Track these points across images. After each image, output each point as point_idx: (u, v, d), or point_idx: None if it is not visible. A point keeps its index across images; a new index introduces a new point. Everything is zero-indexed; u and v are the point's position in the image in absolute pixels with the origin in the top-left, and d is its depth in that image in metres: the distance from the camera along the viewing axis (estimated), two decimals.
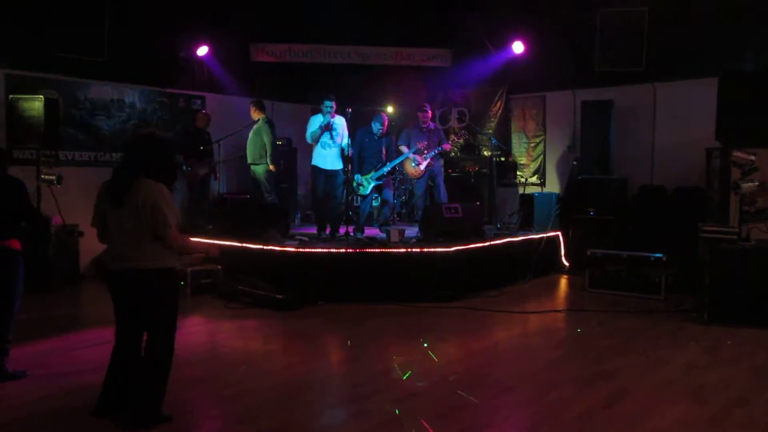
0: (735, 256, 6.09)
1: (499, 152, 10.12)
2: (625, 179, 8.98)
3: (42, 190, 7.43)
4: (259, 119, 9.19)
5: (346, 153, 8.01)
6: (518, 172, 10.45)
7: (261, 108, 9.30)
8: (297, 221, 10.43)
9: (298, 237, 8.01)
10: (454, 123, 11.14)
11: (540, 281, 8.41)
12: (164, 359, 3.74)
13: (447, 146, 8.73)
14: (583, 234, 8.62)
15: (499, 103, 10.66)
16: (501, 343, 5.73)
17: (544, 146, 10.28)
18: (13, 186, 4.47)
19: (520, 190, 10.04)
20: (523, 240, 8.44)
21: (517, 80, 10.34)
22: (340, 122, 7.99)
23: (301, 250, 7.21)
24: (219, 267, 7.66)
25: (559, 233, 9.03)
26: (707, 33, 8.42)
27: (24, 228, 4.59)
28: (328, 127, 7.86)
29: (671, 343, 5.51)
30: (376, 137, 8.49)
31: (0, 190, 4.41)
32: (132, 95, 9.30)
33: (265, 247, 7.40)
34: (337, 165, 8.01)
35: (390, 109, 10.81)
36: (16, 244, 4.45)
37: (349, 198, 8.41)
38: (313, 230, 8.56)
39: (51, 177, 7.36)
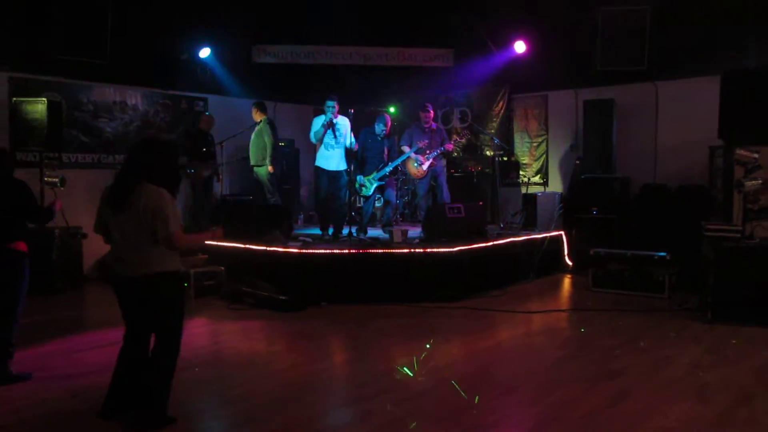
0: (739, 255, 6.07)
1: (501, 152, 10.11)
2: (627, 178, 8.98)
3: (45, 193, 7.44)
4: (260, 121, 9.21)
5: (351, 149, 7.99)
6: (521, 172, 10.45)
7: (262, 109, 9.33)
8: (300, 222, 10.43)
9: (301, 238, 8.01)
10: (456, 123, 11.14)
11: (543, 281, 8.41)
12: (170, 361, 3.74)
13: (449, 146, 8.73)
14: (586, 233, 8.61)
15: (501, 103, 10.65)
16: (504, 343, 5.73)
17: (547, 146, 10.28)
18: (17, 188, 4.49)
19: (523, 190, 10.04)
20: (526, 240, 8.43)
21: (519, 80, 10.33)
22: (343, 122, 7.99)
23: (304, 251, 7.21)
24: (222, 268, 7.68)
25: (562, 233, 9.02)
26: (709, 31, 8.40)
27: (29, 229, 4.61)
28: (330, 125, 7.86)
29: (675, 342, 5.50)
30: (378, 138, 8.50)
31: (5, 192, 4.43)
32: (134, 97, 9.32)
33: (268, 249, 7.41)
34: (340, 166, 8.02)
35: (392, 110, 10.82)
36: (22, 246, 4.46)
37: (352, 199, 8.41)
38: (316, 231, 8.57)
39: (54, 179, 7.36)
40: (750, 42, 8.12)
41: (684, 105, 8.63)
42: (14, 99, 7.74)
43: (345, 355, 5.50)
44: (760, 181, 6.06)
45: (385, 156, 8.56)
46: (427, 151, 8.58)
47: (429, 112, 8.80)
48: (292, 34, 10.48)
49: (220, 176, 9.70)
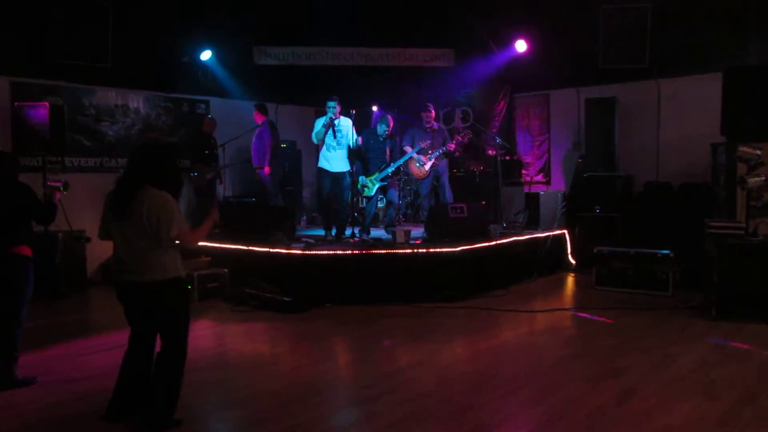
0: (742, 252, 6.06)
1: (503, 151, 10.09)
2: (630, 176, 8.97)
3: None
4: (261, 122, 9.24)
5: (353, 147, 7.99)
6: (523, 171, 10.43)
7: (263, 111, 9.36)
8: (303, 223, 10.44)
9: (304, 239, 8.02)
10: (458, 123, 11.13)
11: (547, 280, 8.40)
12: (177, 366, 3.73)
13: (451, 146, 8.73)
14: (589, 232, 8.60)
15: (502, 102, 10.65)
16: (508, 343, 5.72)
17: (549, 144, 10.28)
18: (21, 191, 4.49)
19: (526, 189, 10.03)
20: (529, 239, 8.42)
21: (521, 79, 10.33)
22: (345, 123, 7.98)
23: (307, 252, 7.22)
24: (225, 271, 7.68)
25: (565, 231, 9.01)
26: (710, 28, 8.40)
27: (33, 234, 4.62)
28: (331, 124, 7.85)
29: (680, 340, 5.49)
30: (380, 139, 8.51)
31: (9, 195, 4.43)
32: (136, 101, 9.34)
33: (271, 250, 7.42)
34: (342, 167, 8.01)
35: (394, 110, 10.82)
36: (26, 251, 4.46)
37: (355, 199, 8.41)
38: (319, 232, 8.58)
39: (57, 184, 7.38)
40: (751, 38, 8.11)
41: (686, 102, 8.63)
42: (16, 103, 7.76)
43: (349, 356, 5.50)
44: (763, 178, 6.04)
45: (388, 156, 8.56)
46: (429, 152, 8.58)
47: (430, 112, 8.80)
48: (293, 35, 10.48)
49: (223, 178, 9.72)
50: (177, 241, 3.65)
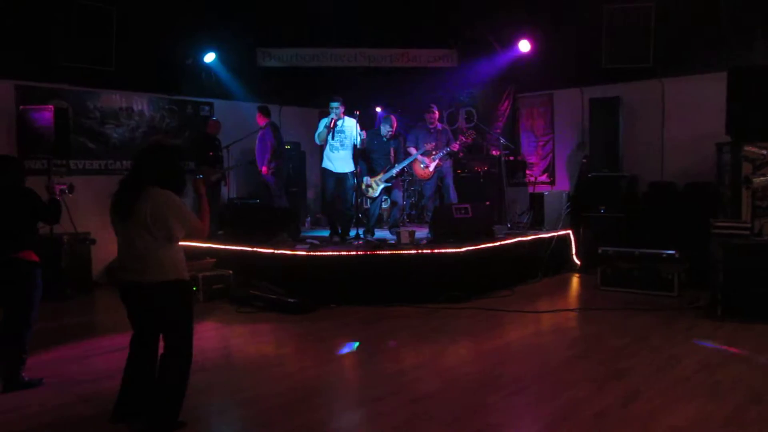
0: (748, 252, 6.03)
1: (507, 151, 10.09)
2: (635, 176, 8.95)
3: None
4: (264, 125, 9.28)
5: (359, 147, 7.99)
6: (527, 171, 10.42)
7: (266, 113, 9.40)
8: (307, 225, 10.46)
9: (308, 240, 8.03)
10: (461, 123, 11.13)
11: (551, 280, 8.38)
12: (181, 368, 3.72)
13: (455, 146, 8.74)
14: (593, 232, 8.58)
15: (506, 102, 10.64)
16: (513, 343, 5.72)
17: (553, 144, 10.26)
18: (24, 197, 4.51)
19: (530, 189, 10.01)
20: (533, 239, 8.42)
21: (524, 79, 10.32)
22: (349, 123, 7.97)
23: (311, 253, 7.22)
24: (230, 272, 7.70)
25: (570, 232, 9.00)
26: (714, 27, 8.36)
27: (39, 237, 4.64)
28: (332, 125, 7.85)
29: (685, 341, 5.48)
30: (384, 139, 8.52)
31: (14, 201, 4.45)
32: (141, 103, 9.37)
33: (275, 251, 7.43)
34: (345, 168, 8.01)
35: (397, 111, 10.82)
36: (31, 256, 4.48)
37: (359, 200, 8.42)
38: (323, 233, 8.58)
39: (62, 186, 7.41)
40: (756, 37, 8.08)
41: (690, 102, 8.59)
42: (21, 107, 7.79)
43: (354, 357, 5.50)
44: None
45: (392, 157, 8.57)
46: (433, 152, 8.59)
47: (434, 112, 8.81)
48: (296, 37, 10.50)
49: (228, 180, 9.74)
50: (194, 232, 3.72)
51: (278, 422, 3.86)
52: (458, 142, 8.76)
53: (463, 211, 7.95)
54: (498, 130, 10.39)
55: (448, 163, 8.98)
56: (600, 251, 7.72)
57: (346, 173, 8.03)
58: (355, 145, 7.92)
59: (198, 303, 7.19)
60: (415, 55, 10.70)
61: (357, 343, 5.65)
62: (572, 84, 9.83)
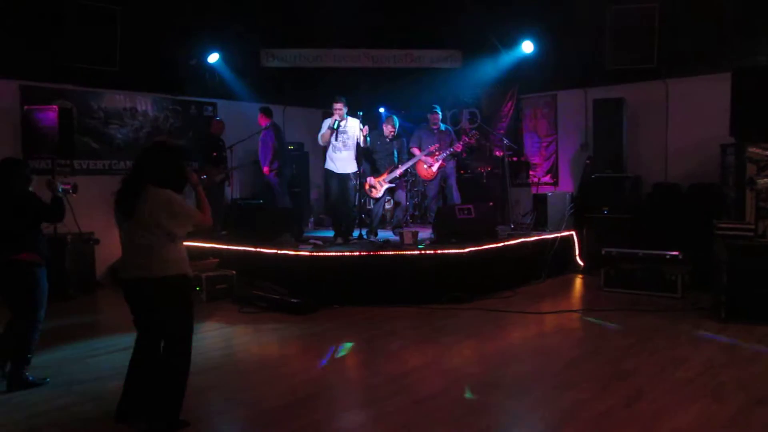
0: (752, 253, 6.01)
1: (511, 152, 10.09)
2: (638, 177, 8.93)
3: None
4: (266, 126, 9.30)
5: (365, 147, 7.99)
6: (531, 172, 10.42)
7: (268, 115, 9.42)
8: (310, 225, 10.46)
9: (311, 241, 8.03)
10: (465, 124, 11.13)
11: (555, 281, 8.37)
12: (181, 365, 3.74)
13: (458, 147, 8.74)
14: (597, 233, 8.57)
15: (510, 103, 10.64)
16: (516, 344, 5.72)
17: (557, 145, 10.25)
18: (26, 201, 4.51)
19: (533, 190, 10.01)
20: (536, 240, 8.41)
21: (528, 80, 10.32)
22: (352, 124, 7.96)
23: (315, 254, 7.23)
24: (233, 272, 7.70)
25: (574, 233, 8.98)
26: (719, 27, 8.36)
27: (42, 238, 4.64)
28: (335, 128, 7.85)
29: (689, 342, 5.47)
30: (387, 140, 8.52)
31: (13, 204, 4.45)
32: (144, 103, 9.39)
33: (279, 252, 7.43)
34: (348, 168, 8.00)
35: (401, 112, 10.83)
36: (32, 257, 4.48)
37: (362, 201, 8.42)
38: (327, 234, 8.59)
39: (66, 186, 7.43)
40: (760, 38, 8.07)
41: (695, 103, 8.58)
42: (26, 107, 7.81)
43: (357, 357, 5.50)
44: None
45: (395, 157, 8.57)
46: (437, 153, 8.58)
47: (437, 113, 8.81)
48: (300, 37, 10.51)
49: (231, 180, 9.76)
50: (200, 225, 3.81)
51: (281, 423, 3.86)
52: (461, 143, 8.76)
53: (466, 212, 7.95)
54: (501, 131, 10.39)
55: (452, 163, 8.99)
56: (603, 252, 7.71)
57: (349, 174, 8.03)
58: (358, 145, 7.91)
59: (201, 303, 7.21)
60: (418, 56, 10.70)
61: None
62: (576, 85, 9.82)
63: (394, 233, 8.59)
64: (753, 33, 8.11)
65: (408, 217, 9.77)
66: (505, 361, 5.09)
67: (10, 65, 7.95)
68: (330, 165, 8.04)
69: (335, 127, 7.78)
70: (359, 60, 10.62)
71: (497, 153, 10.24)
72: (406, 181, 9.44)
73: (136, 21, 8.91)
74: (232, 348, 5.71)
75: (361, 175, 8.12)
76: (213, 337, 5.99)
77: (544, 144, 10.37)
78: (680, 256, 7.21)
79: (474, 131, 9.41)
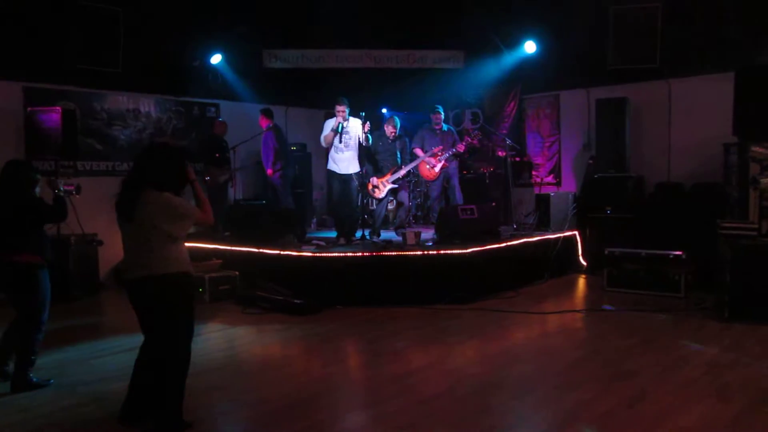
0: (755, 253, 6.00)
1: (513, 152, 10.09)
2: (641, 177, 8.92)
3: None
4: (266, 127, 9.32)
5: (367, 147, 7.98)
6: (533, 172, 10.41)
7: (269, 116, 9.44)
8: (313, 226, 10.47)
9: (314, 241, 8.04)
10: (467, 124, 11.13)
11: (558, 281, 8.37)
12: (178, 365, 3.73)
13: (461, 147, 8.74)
14: (600, 233, 8.56)
15: (512, 103, 10.63)
16: (519, 344, 5.71)
17: (559, 145, 10.24)
18: (27, 204, 4.51)
19: (536, 190, 10.00)
20: (539, 240, 8.40)
21: (531, 80, 10.31)
22: (354, 124, 7.96)
23: (317, 254, 7.23)
24: (236, 273, 7.71)
25: (576, 232, 8.98)
26: (721, 27, 8.34)
27: (45, 240, 4.65)
28: (337, 130, 7.86)
29: (692, 342, 5.45)
30: (389, 140, 8.53)
31: (14, 207, 4.46)
32: (147, 105, 9.41)
33: (282, 253, 7.44)
34: (350, 169, 8.00)
35: (404, 112, 10.83)
36: (31, 258, 4.49)
37: (365, 201, 8.42)
38: (330, 234, 8.59)
39: (69, 188, 7.45)
40: (763, 37, 8.04)
41: (697, 102, 8.57)
42: (29, 108, 7.83)
43: (360, 358, 5.51)
44: None
45: (397, 157, 8.57)
46: (439, 154, 8.59)
47: (439, 113, 8.81)
48: (302, 38, 10.52)
49: (234, 181, 9.77)
50: (202, 224, 3.87)
51: (284, 423, 3.86)
52: (464, 143, 8.76)
53: (468, 212, 7.95)
54: (504, 131, 10.39)
55: (454, 164, 8.99)
56: (606, 252, 7.71)
57: (351, 174, 8.03)
58: (360, 145, 7.92)
59: (204, 304, 7.22)
60: (420, 56, 10.69)
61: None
62: (578, 85, 9.81)
63: (397, 234, 8.60)
64: (756, 32, 8.09)
65: (411, 218, 9.77)
66: (509, 362, 5.09)
67: (13, 67, 7.97)
68: (332, 166, 8.05)
69: (339, 130, 7.78)
70: (361, 61, 10.62)
71: (500, 153, 10.24)
72: (409, 182, 9.44)
73: (139, 22, 8.93)
74: (236, 349, 5.72)
75: (363, 176, 8.12)
76: (216, 337, 6.00)
77: (547, 144, 10.36)
78: (683, 256, 7.20)
79: (476, 131, 9.41)
